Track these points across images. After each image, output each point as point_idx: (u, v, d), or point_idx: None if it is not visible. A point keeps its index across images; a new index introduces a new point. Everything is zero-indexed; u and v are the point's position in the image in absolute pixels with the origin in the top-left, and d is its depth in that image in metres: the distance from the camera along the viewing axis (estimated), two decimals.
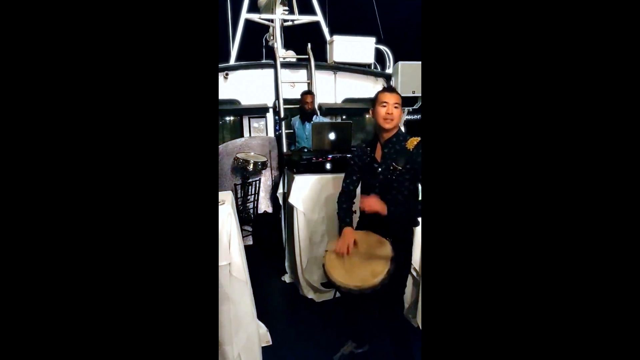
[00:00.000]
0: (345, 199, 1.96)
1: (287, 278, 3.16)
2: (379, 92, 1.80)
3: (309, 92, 3.68)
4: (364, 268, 1.63)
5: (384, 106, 1.74)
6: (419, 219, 1.88)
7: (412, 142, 1.74)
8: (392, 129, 1.78)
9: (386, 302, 1.84)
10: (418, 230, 1.95)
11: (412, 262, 2.04)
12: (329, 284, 1.74)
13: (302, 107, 3.57)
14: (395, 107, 1.75)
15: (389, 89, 1.83)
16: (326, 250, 1.82)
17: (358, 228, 1.90)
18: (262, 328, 2.19)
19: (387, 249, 1.66)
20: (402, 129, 3.98)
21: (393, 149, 1.78)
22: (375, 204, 1.70)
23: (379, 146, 1.84)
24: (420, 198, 1.80)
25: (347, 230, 1.82)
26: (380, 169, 1.80)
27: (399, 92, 1.82)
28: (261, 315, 2.12)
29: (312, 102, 3.57)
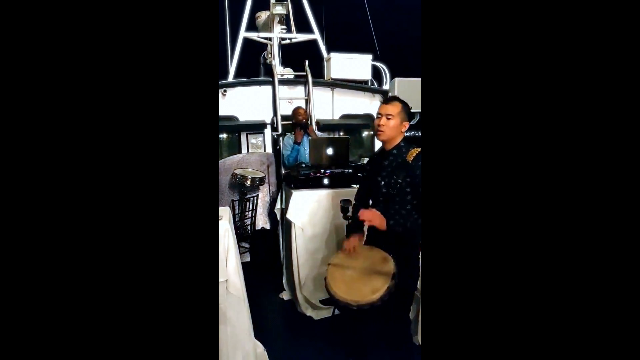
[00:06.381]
0: (356, 212, 1.93)
1: (285, 295, 3.11)
2: None
3: (299, 107, 3.67)
4: (364, 284, 1.62)
5: (378, 118, 1.73)
6: None
7: (412, 154, 1.67)
8: (389, 140, 1.74)
9: (389, 320, 1.81)
10: None
11: None
12: (328, 300, 1.72)
13: (296, 121, 3.54)
14: (388, 119, 1.69)
15: (386, 99, 1.77)
16: (329, 264, 1.82)
17: (365, 244, 1.89)
18: (259, 347, 2.14)
19: (389, 266, 1.63)
20: None
21: (394, 162, 1.72)
22: (373, 217, 1.67)
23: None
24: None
25: (353, 236, 1.85)
26: (383, 182, 1.74)
27: None
28: (258, 334, 2.08)
29: (304, 112, 3.56)
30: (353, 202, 1.97)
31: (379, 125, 1.71)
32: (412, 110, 1.80)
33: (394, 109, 1.70)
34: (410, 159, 1.66)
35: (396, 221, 1.66)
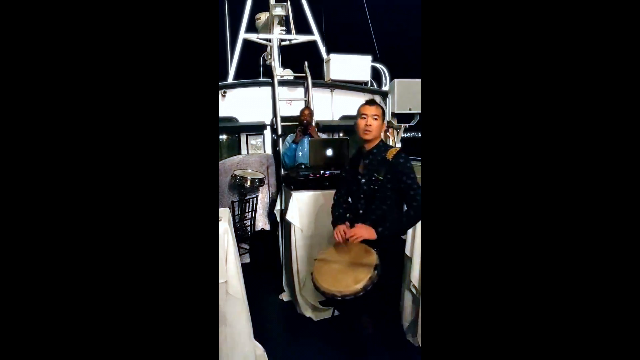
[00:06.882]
0: (337, 208, 2.02)
1: (284, 296, 3.11)
2: (360, 106, 1.86)
3: (306, 107, 3.72)
4: (348, 275, 1.68)
5: (363, 118, 1.81)
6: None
7: (392, 152, 1.78)
8: (372, 140, 1.84)
9: (379, 311, 1.86)
10: (417, 246, 1.94)
11: (412, 278, 2.02)
12: (327, 302, 1.73)
13: (300, 121, 3.57)
14: (375, 119, 1.80)
15: (369, 101, 1.88)
16: (315, 259, 1.88)
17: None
18: (259, 349, 2.13)
19: (372, 258, 1.69)
20: (399, 144, 3.96)
21: (375, 160, 1.82)
22: (361, 233, 1.72)
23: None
24: (405, 209, 1.81)
25: (338, 225, 1.87)
26: (363, 180, 1.84)
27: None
28: (258, 335, 2.08)
29: (309, 114, 3.58)
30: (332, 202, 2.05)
31: (367, 125, 1.80)
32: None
33: (379, 110, 1.83)
34: (390, 157, 1.76)
35: (383, 226, 1.72)
